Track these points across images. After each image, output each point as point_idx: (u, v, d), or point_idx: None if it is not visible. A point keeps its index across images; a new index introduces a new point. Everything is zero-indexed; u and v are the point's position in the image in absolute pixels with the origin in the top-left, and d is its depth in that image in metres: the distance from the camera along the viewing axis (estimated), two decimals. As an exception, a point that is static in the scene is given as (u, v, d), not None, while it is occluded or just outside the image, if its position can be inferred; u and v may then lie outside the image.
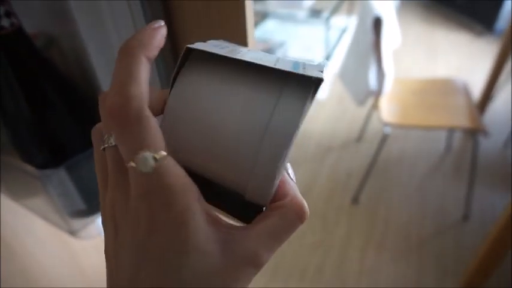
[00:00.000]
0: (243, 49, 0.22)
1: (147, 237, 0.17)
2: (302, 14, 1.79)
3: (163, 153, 0.17)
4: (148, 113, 0.17)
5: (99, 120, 0.20)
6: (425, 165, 1.75)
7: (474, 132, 1.38)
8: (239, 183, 0.19)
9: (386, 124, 1.41)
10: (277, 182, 0.19)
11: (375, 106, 1.51)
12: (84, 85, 0.44)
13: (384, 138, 1.46)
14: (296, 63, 0.19)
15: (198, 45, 0.19)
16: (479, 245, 1.08)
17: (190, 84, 0.19)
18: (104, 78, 0.44)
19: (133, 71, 0.17)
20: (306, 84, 0.18)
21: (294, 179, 0.21)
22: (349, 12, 2.05)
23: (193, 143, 0.19)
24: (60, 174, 0.42)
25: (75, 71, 0.45)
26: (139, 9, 0.40)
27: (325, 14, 1.76)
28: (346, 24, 1.82)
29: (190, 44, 0.19)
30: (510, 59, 1.73)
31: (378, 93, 1.47)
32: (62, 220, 0.48)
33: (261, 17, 1.65)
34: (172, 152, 0.18)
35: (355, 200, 1.60)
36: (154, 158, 0.16)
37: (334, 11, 1.77)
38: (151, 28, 0.19)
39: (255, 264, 0.18)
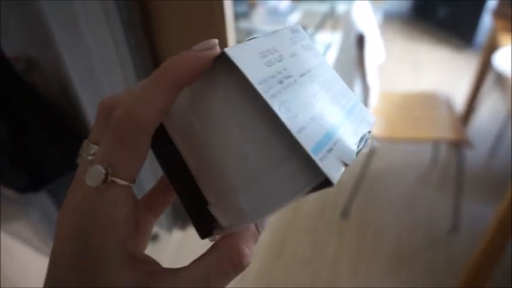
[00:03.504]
0: (300, 67, 0.19)
1: (58, 246, 0.16)
2: (287, 31, 1.81)
3: (118, 180, 0.16)
4: (145, 139, 0.16)
5: (81, 143, 0.19)
6: (412, 178, 1.77)
7: (459, 144, 1.40)
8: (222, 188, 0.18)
9: (372, 138, 1.42)
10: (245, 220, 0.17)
11: (361, 120, 1.52)
12: (65, 107, 0.44)
13: (371, 152, 1.47)
14: (326, 137, 0.17)
15: (236, 53, 0.16)
16: (469, 255, 1.08)
17: (211, 91, 0.17)
18: (86, 98, 0.44)
19: (155, 99, 0.16)
20: (315, 172, 0.16)
21: (260, 229, 0.19)
22: (334, 28, 2.08)
23: (194, 141, 0.18)
24: (42, 198, 0.41)
25: (57, 93, 0.44)
26: (119, 26, 0.40)
27: (310, 30, 1.79)
28: (331, 40, 1.84)
29: (230, 48, 0.16)
30: (490, 71, 1.77)
31: (363, 108, 1.49)
32: (45, 245, 0.47)
33: (246, 34, 1.67)
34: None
35: (344, 214, 1.59)
36: (106, 176, 0.15)
37: (319, 27, 1.81)
38: (193, 53, 0.17)
39: None
